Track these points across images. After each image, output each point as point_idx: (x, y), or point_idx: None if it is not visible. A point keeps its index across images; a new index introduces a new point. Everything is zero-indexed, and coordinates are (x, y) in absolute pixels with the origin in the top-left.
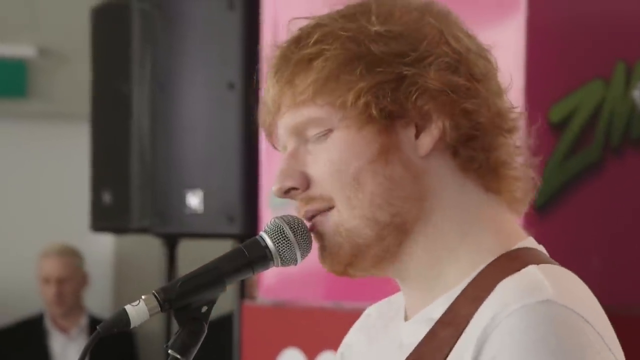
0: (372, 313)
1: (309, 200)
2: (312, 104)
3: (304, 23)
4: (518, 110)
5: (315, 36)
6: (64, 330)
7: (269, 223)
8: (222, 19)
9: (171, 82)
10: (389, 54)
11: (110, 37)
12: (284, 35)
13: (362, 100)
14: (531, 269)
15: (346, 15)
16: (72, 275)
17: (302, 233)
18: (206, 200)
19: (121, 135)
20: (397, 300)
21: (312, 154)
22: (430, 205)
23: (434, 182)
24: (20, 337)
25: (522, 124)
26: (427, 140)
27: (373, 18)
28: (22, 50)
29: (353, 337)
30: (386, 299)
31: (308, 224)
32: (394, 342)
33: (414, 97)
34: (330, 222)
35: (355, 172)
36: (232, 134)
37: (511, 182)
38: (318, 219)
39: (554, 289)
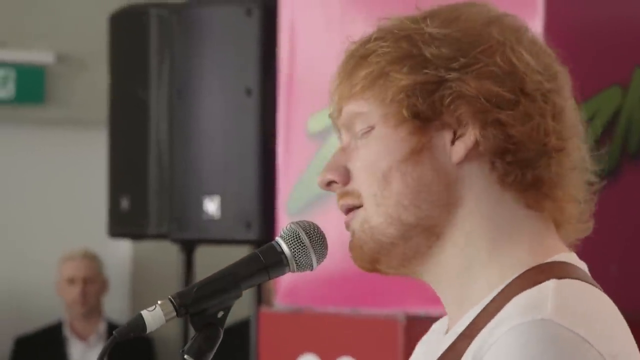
0: (436, 328)
1: (344, 194)
2: (361, 99)
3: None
4: (579, 136)
5: (376, 34)
6: (82, 337)
7: (284, 228)
8: (240, 25)
9: (189, 87)
10: (438, 57)
11: (128, 43)
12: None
13: (397, 98)
14: (548, 283)
15: (415, 17)
16: (95, 277)
17: (317, 238)
18: (223, 206)
19: (139, 141)
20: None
21: (357, 150)
22: (462, 213)
23: (468, 191)
24: (40, 345)
25: (581, 149)
26: (461, 147)
27: (436, 21)
28: (40, 56)
29: (418, 351)
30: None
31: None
32: (435, 356)
33: (448, 100)
34: (358, 219)
35: (385, 169)
36: (250, 139)
37: (556, 202)
38: (349, 216)
39: (555, 307)
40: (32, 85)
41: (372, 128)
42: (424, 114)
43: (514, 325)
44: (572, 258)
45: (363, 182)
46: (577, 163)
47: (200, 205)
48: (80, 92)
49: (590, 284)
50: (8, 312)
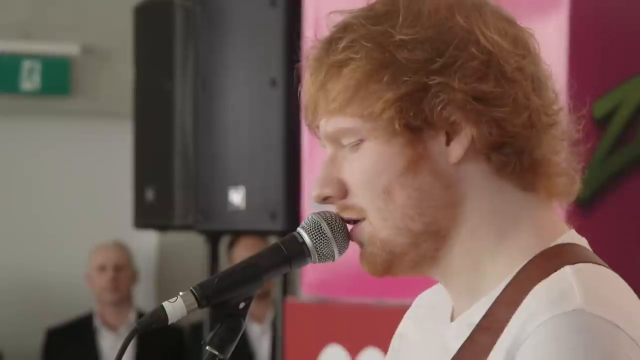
0: (423, 304)
1: (344, 208)
2: (342, 115)
3: (339, 18)
4: (559, 102)
5: (343, 42)
6: (113, 328)
7: (306, 219)
8: (264, 15)
9: (214, 79)
10: (414, 61)
11: (153, 35)
12: (325, 32)
13: (386, 114)
14: (565, 271)
15: (375, 17)
16: (126, 266)
17: (339, 229)
18: (248, 197)
19: (164, 133)
20: (444, 294)
21: (348, 161)
22: (465, 211)
23: (468, 188)
24: (71, 336)
25: (563, 116)
26: (458, 148)
27: (400, 20)
28: (66, 48)
29: (406, 327)
30: (435, 289)
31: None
32: (440, 342)
33: (439, 108)
34: (365, 232)
35: (385, 185)
36: (275, 130)
37: (550, 178)
38: (355, 228)
39: (583, 296)
40: (57, 77)
41: (361, 141)
42: (416, 126)
43: (546, 319)
44: (574, 237)
45: (363, 197)
46: (565, 131)
47: (225, 196)
48: (105, 83)
49: (599, 264)
50: (38, 304)
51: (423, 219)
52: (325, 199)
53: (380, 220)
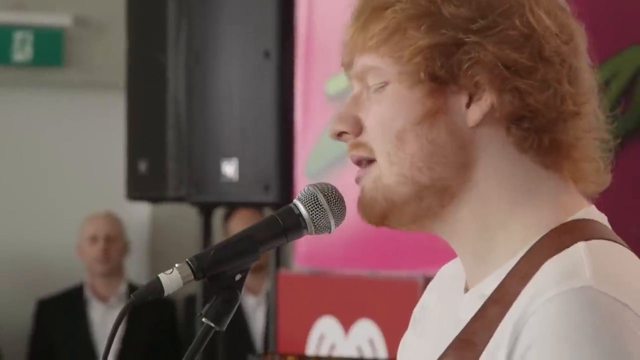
0: (446, 274)
1: (356, 145)
2: (375, 53)
3: None
4: (593, 97)
5: None
6: (103, 299)
7: (302, 191)
8: None
9: (207, 50)
10: (457, 16)
11: (146, 6)
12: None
13: (415, 60)
14: (578, 247)
15: None
16: (117, 237)
17: (335, 201)
18: (241, 168)
19: (157, 104)
20: (460, 266)
21: (370, 101)
22: (477, 175)
23: (483, 153)
24: (61, 307)
25: (594, 110)
26: (476, 111)
27: None
28: (58, 19)
29: (428, 298)
30: (457, 260)
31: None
32: (452, 314)
33: (467, 65)
34: (371, 175)
35: (399, 130)
36: (268, 102)
37: (576, 162)
38: (360, 172)
39: (593, 273)
40: (50, 48)
41: (386, 84)
42: (441, 77)
43: (553, 295)
44: (592, 213)
45: (376, 139)
46: (593, 124)
47: (218, 168)
48: (98, 55)
49: (614, 241)
50: (30, 275)
51: (431, 173)
52: (339, 135)
53: (388, 165)
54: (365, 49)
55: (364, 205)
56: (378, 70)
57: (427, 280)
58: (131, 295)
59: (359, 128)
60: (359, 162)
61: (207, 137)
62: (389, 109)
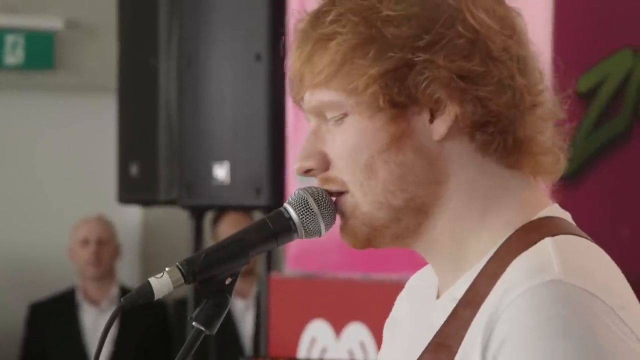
0: (415, 284)
1: (326, 180)
2: (326, 88)
3: None
4: (544, 82)
5: (331, 16)
6: (95, 302)
7: (293, 195)
8: None
9: (198, 53)
10: (400, 37)
11: (138, 9)
12: (312, 4)
13: (370, 90)
14: (545, 243)
15: None
16: (109, 240)
17: (325, 205)
18: (233, 172)
19: (148, 108)
20: (432, 275)
21: (331, 134)
22: (448, 188)
23: (451, 165)
24: (53, 311)
25: (548, 96)
26: (441, 125)
27: None
28: (50, 22)
29: (398, 310)
30: (425, 269)
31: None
32: (426, 321)
33: (423, 85)
34: (348, 204)
35: (367, 160)
36: (259, 105)
37: (535, 157)
38: (337, 201)
39: (561, 267)
40: (41, 51)
41: (345, 115)
42: (400, 102)
43: (524, 290)
44: (556, 211)
45: (345, 171)
46: (547, 111)
47: (209, 171)
48: (89, 58)
49: (580, 236)
50: (22, 279)
51: (404, 195)
52: (307, 172)
53: (362, 195)
54: (315, 84)
55: (346, 234)
56: (334, 104)
57: None
58: (121, 299)
59: (326, 163)
60: (331, 194)
61: (198, 140)
62: (353, 140)
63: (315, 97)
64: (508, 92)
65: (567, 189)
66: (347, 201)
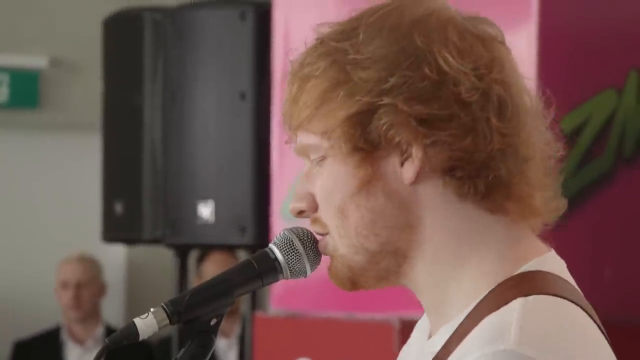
0: (419, 326)
1: (314, 221)
2: (307, 130)
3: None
4: (535, 117)
5: (310, 58)
6: (79, 341)
7: (278, 235)
8: (234, 28)
9: (183, 91)
10: (367, 80)
11: (122, 48)
12: (296, 45)
13: (336, 133)
14: (513, 305)
15: (341, 33)
16: (90, 281)
17: (311, 245)
18: (218, 210)
19: (133, 146)
20: None
21: (317, 176)
22: (423, 232)
23: (425, 209)
24: (38, 349)
25: (539, 133)
26: (410, 169)
27: (360, 38)
28: (34, 60)
29: (413, 334)
30: None
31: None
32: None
33: (384, 129)
34: (329, 246)
35: (340, 203)
36: (244, 144)
37: (520, 200)
38: (321, 242)
39: (519, 335)
40: (26, 90)
41: (323, 158)
42: (365, 146)
43: (477, 357)
44: (545, 261)
45: (325, 213)
46: (532, 151)
47: (194, 209)
48: (74, 96)
49: (561, 296)
50: (6, 317)
51: (378, 239)
52: (299, 213)
53: (338, 237)
54: (299, 126)
55: (332, 275)
56: (313, 146)
57: (403, 322)
58: (106, 339)
59: (315, 204)
60: (317, 234)
61: (183, 178)
62: (328, 183)
63: (300, 138)
64: (475, 135)
65: (549, 230)
66: (328, 243)
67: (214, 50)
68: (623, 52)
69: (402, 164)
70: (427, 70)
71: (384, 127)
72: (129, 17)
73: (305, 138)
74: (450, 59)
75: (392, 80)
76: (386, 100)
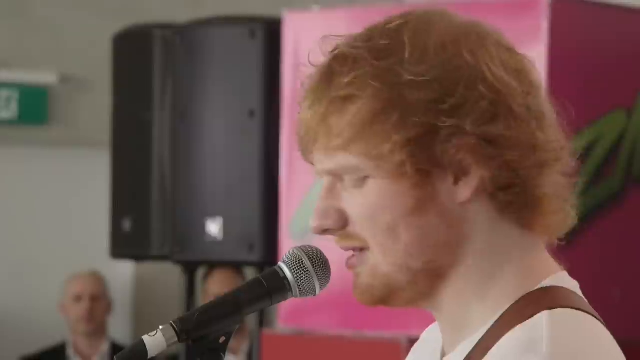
0: (427, 337)
1: (346, 237)
2: (345, 152)
3: (333, 44)
4: (562, 136)
5: (349, 77)
6: (85, 357)
7: (287, 254)
8: (244, 46)
9: (192, 109)
10: (423, 101)
11: (132, 65)
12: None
13: (397, 157)
14: (541, 317)
15: (379, 51)
16: (102, 296)
17: (320, 264)
18: (226, 227)
19: (142, 163)
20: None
21: (349, 192)
22: (464, 250)
23: (470, 227)
24: None
25: (566, 150)
26: (466, 189)
27: (406, 56)
28: (43, 77)
29: (410, 358)
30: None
31: (346, 259)
32: None
33: (450, 152)
34: (368, 263)
35: (390, 223)
36: (253, 161)
37: (547, 216)
38: (357, 257)
39: (550, 348)
40: (35, 106)
41: (366, 177)
42: (426, 167)
43: None
44: (561, 279)
45: (366, 231)
46: (566, 167)
47: (202, 227)
48: (83, 112)
49: (582, 310)
50: (13, 333)
51: (423, 258)
52: (325, 231)
53: (382, 256)
54: (332, 147)
55: (361, 292)
56: (354, 168)
57: (411, 340)
58: (115, 357)
59: (343, 221)
60: (348, 249)
61: (191, 195)
62: (376, 202)
63: (333, 160)
64: (532, 152)
65: (558, 249)
66: (368, 259)
67: (223, 68)
68: (632, 73)
69: (456, 183)
70: (483, 89)
71: (452, 150)
72: (138, 34)
73: (343, 160)
74: (499, 75)
75: (450, 101)
76: (449, 121)
